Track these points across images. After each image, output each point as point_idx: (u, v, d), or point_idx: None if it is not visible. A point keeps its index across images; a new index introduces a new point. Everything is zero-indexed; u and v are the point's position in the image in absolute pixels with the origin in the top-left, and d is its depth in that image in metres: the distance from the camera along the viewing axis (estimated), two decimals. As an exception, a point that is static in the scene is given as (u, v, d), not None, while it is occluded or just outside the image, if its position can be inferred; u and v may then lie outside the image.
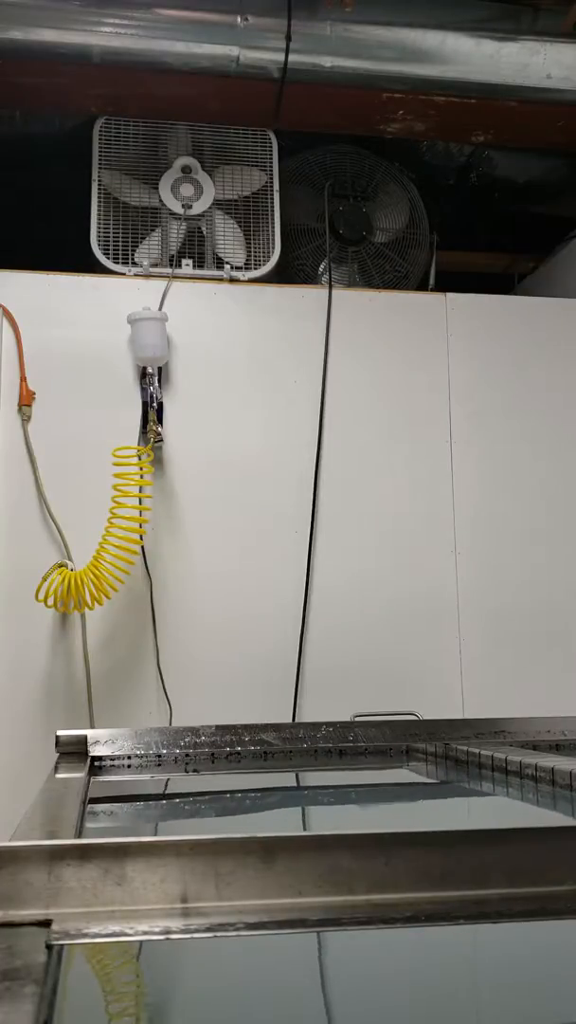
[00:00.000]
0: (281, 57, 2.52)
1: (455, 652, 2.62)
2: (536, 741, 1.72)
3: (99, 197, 2.72)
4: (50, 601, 2.34)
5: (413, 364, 2.75)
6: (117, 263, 2.69)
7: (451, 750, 1.63)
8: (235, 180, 2.80)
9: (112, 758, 1.67)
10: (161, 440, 2.55)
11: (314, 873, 0.71)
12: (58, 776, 1.41)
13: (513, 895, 0.71)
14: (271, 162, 2.81)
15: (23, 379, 2.53)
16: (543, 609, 2.69)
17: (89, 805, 1.25)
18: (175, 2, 2.47)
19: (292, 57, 2.52)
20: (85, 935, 0.66)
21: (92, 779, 1.49)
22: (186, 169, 2.77)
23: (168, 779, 1.66)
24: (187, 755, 1.70)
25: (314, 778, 1.73)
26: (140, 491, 2.46)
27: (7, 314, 2.55)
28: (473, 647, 2.63)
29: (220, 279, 2.72)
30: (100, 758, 1.67)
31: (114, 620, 2.48)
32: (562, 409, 2.81)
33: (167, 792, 1.61)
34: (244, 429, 2.63)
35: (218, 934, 0.66)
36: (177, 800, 1.54)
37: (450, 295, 2.82)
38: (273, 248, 2.76)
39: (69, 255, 2.70)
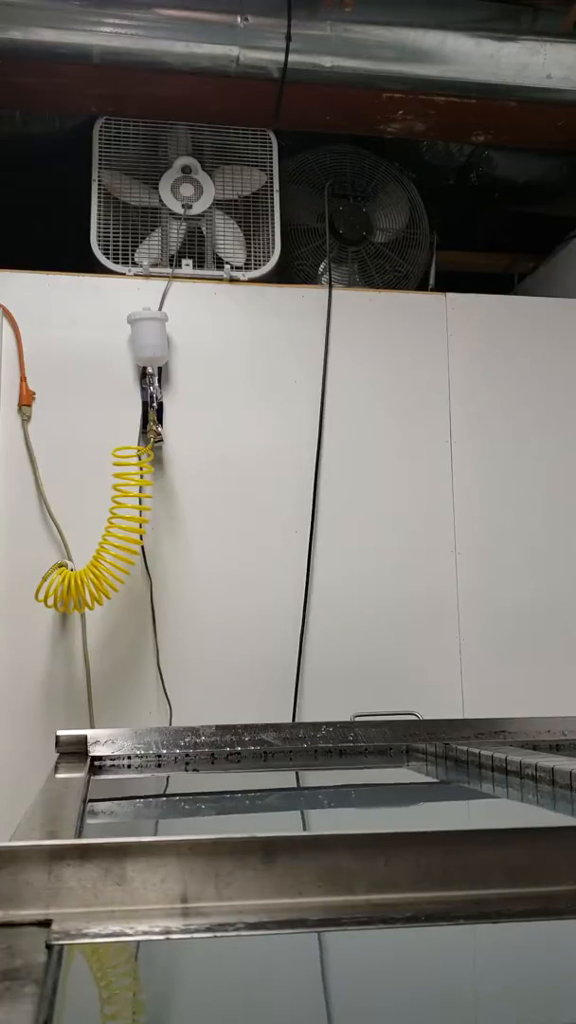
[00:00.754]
0: (281, 57, 2.52)
1: (455, 652, 2.62)
2: (536, 741, 1.72)
3: (99, 197, 2.72)
4: (50, 601, 2.34)
5: (413, 364, 2.75)
6: (117, 263, 2.69)
7: (451, 750, 1.63)
8: (235, 180, 2.80)
9: (112, 758, 1.67)
10: (161, 440, 2.55)
11: (314, 873, 0.71)
12: (58, 776, 1.41)
13: (513, 895, 0.71)
14: (271, 162, 2.81)
15: (23, 379, 2.53)
16: (543, 609, 2.69)
17: (89, 805, 1.25)
18: (175, 2, 2.47)
19: (292, 57, 2.52)
20: (85, 935, 0.66)
21: (92, 779, 1.49)
22: (186, 169, 2.77)
23: (168, 779, 1.66)
24: (187, 755, 1.70)
25: (314, 778, 1.73)
26: (140, 491, 2.46)
27: (7, 314, 2.55)
28: (473, 647, 2.63)
29: (220, 279, 2.72)
30: (100, 758, 1.67)
31: (114, 620, 2.48)
32: (562, 409, 2.81)
33: (167, 792, 1.61)
34: (244, 429, 2.63)
35: (218, 934, 0.66)
36: (177, 800, 1.54)
37: (450, 295, 2.82)
38: (273, 248, 2.76)
39: (69, 255, 2.70)
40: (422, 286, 3.07)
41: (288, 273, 2.89)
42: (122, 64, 2.50)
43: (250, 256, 2.77)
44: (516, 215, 3.46)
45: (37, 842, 0.70)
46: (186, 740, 1.71)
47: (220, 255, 2.76)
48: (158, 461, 2.55)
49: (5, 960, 0.59)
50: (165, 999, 0.69)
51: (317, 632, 2.56)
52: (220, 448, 2.61)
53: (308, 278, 2.93)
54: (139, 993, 0.70)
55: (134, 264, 2.70)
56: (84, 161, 2.73)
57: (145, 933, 0.66)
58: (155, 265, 2.70)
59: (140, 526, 2.39)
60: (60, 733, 1.70)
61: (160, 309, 2.61)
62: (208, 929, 0.67)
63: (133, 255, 2.71)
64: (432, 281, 3.11)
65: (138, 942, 0.68)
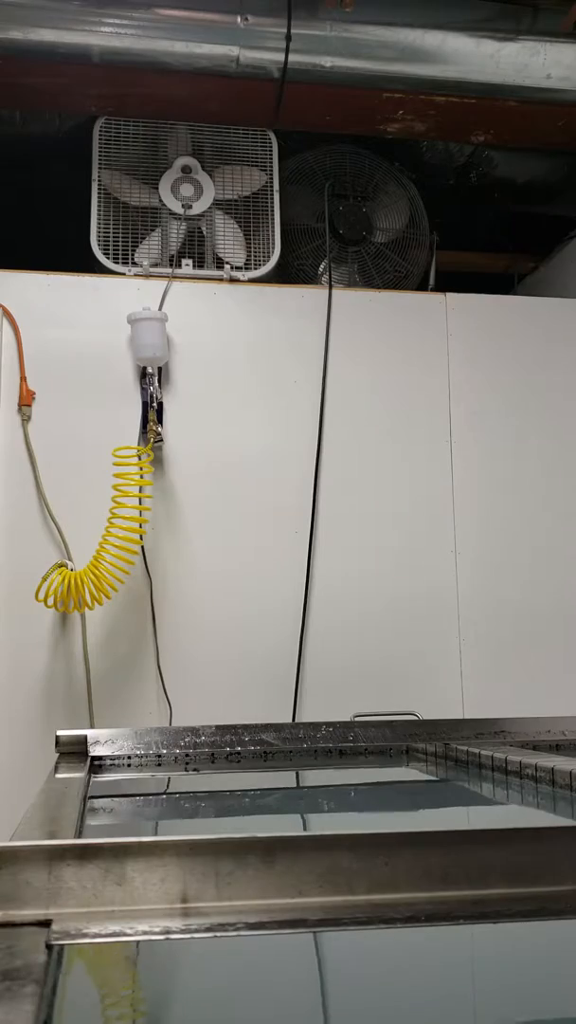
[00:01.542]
0: (281, 57, 2.51)
1: (455, 652, 2.62)
2: (536, 741, 1.72)
3: (99, 197, 2.72)
4: (50, 601, 2.33)
5: (413, 364, 2.75)
6: (117, 263, 2.69)
7: (451, 750, 1.63)
8: (235, 180, 2.80)
9: (112, 758, 1.67)
10: (161, 440, 2.55)
11: (314, 873, 0.71)
12: (58, 776, 1.41)
13: (513, 895, 0.71)
14: (271, 162, 2.81)
15: (23, 379, 2.53)
16: (543, 609, 2.69)
17: (89, 805, 1.25)
18: (175, 2, 2.47)
19: (292, 57, 2.52)
20: (85, 935, 0.66)
21: (92, 779, 1.49)
22: (186, 169, 2.77)
23: (168, 779, 1.66)
24: (187, 755, 1.70)
25: (314, 778, 1.73)
26: (140, 491, 2.46)
27: (7, 314, 2.55)
28: (473, 647, 2.63)
29: (220, 279, 2.72)
30: (100, 758, 1.67)
31: (114, 620, 2.48)
32: (562, 409, 2.81)
33: (167, 792, 1.61)
34: (244, 429, 2.63)
35: (218, 934, 0.66)
36: (177, 800, 1.54)
37: (450, 295, 2.82)
38: (273, 248, 2.76)
39: (69, 255, 2.70)
40: (422, 286, 3.07)
41: (288, 273, 2.89)
42: (122, 64, 2.50)
43: (250, 256, 2.77)
44: (516, 215, 3.46)
45: (37, 842, 0.70)
46: (186, 740, 1.71)
47: (220, 255, 2.76)
48: (158, 461, 2.55)
49: (5, 960, 0.59)
50: (165, 999, 0.69)
51: (317, 632, 2.56)
52: (220, 448, 2.61)
53: (308, 278, 2.93)
54: (139, 993, 0.70)
55: (134, 264, 2.70)
56: (84, 161, 2.73)
57: (145, 933, 0.66)
58: (155, 265, 2.70)
59: (140, 526, 2.39)
60: (60, 733, 1.70)
61: (160, 309, 2.61)
62: (208, 929, 0.67)
63: (133, 255, 2.71)
64: (432, 281, 3.10)
65: (138, 942, 0.68)
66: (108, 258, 2.69)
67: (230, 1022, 0.66)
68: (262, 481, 2.62)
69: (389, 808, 1.49)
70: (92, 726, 2.39)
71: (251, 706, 2.46)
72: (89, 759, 1.61)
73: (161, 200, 2.74)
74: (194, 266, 2.73)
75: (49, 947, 0.62)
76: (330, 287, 2.76)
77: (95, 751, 1.67)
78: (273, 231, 2.78)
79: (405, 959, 0.74)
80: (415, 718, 1.97)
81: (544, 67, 2.60)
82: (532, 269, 3.45)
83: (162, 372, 2.59)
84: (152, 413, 2.54)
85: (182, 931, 0.66)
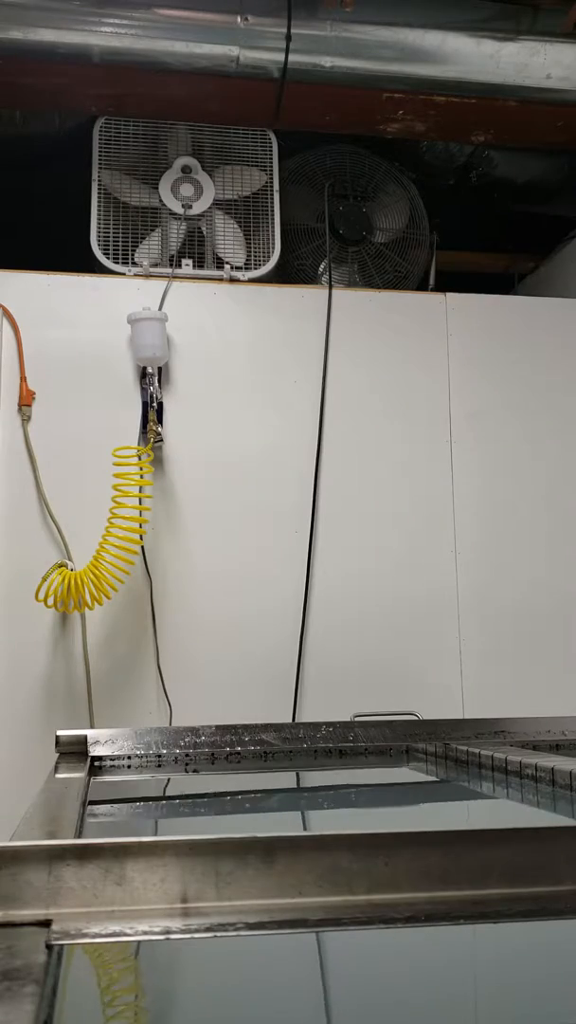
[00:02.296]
0: (281, 57, 2.51)
1: (455, 652, 2.62)
2: (536, 741, 1.72)
3: (99, 197, 2.72)
4: (50, 601, 2.33)
5: (413, 364, 2.75)
6: (117, 263, 2.69)
7: (451, 750, 1.63)
8: (235, 180, 2.80)
9: (112, 758, 1.67)
10: (161, 440, 2.55)
11: (314, 873, 0.71)
12: (58, 776, 1.41)
13: (513, 895, 0.71)
14: (271, 162, 2.81)
15: (23, 379, 2.53)
16: (543, 609, 2.69)
17: (89, 805, 1.25)
18: (175, 2, 2.47)
19: (292, 57, 2.52)
20: (85, 935, 0.66)
21: (92, 779, 1.49)
22: (186, 169, 2.77)
23: (168, 779, 1.66)
24: (187, 755, 1.70)
25: (314, 778, 1.73)
26: (140, 491, 2.46)
27: (7, 314, 2.55)
28: (473, 647, 2.63)
29: (220, 279, 2.72)
30: (100, 758, 1.67)
31: (114, 620, 2.48)
32: (563, 409, 2.81)
33: (167, 792, 1.61)
34: (244, 429, 2.63)
35: (218, 934, 0.66)
36: (177, 800, 1.54)
37: (450, 295, 2.82)
38: (273, 248, 2.76)
39: (69, 255, 2.70)
40: (422, 286, 3.07)
41: (288, 273, 2.89)
42: (122, 64, 2.50)
43: (250, 256, 2.77)
44: (516, 215, 3.46)
45: (37, 842, 0.70)
46: (186, 740, 1.71)
47: (220, 255, 2.76)
48: (158, 461, 2.55)
49: (5, 960, 0.59)
50: (165, 999, 0.69)
51: (317, 632, 2.56)
52: (220, 448, 2.61)
53: (308, 278, 2.93)
54: (139, 993, 0.70)
55: (134, 264, 2.70)
56: (84, 161, 2.73)
57: (145, 933, 0.66)
58: (155, 265, 2.70)
59: (140, 526, 2.39)
60: (60, 733, 1.70)
61: (160, 309, 2.61)
62: (208, 929, 0.67)
63: (133, 255, 2.71)
64: (432, 281, 3.11)
65: (138, 942, 0.68)
66: (108, 258, 2.69)
67: (230, 1022, 0.66)
68: (262, 481, 2.61)
69: (389, 808, 1.49)
70: (92, 726, 2.39)
71: (251, 706, 2.46)
72: (89, 759, 1.60)
73: (161, 200, 2.74)
74: (194, 266, 2.73)
75: (49, 947, 0.62)
76: (330, 287, 2.76)
77: (95, 751, 1.67)
78: (273, 231, 2.78)
79: (405, 959, 0.74)
80: (415, 718, 1.97)
81: (544, 67, 2.60)
82: (532, 269, 3.45)
83: (162, 372, 2.59)
84: (152, 413, 2.54)
85: (182, 931, 0.66)
